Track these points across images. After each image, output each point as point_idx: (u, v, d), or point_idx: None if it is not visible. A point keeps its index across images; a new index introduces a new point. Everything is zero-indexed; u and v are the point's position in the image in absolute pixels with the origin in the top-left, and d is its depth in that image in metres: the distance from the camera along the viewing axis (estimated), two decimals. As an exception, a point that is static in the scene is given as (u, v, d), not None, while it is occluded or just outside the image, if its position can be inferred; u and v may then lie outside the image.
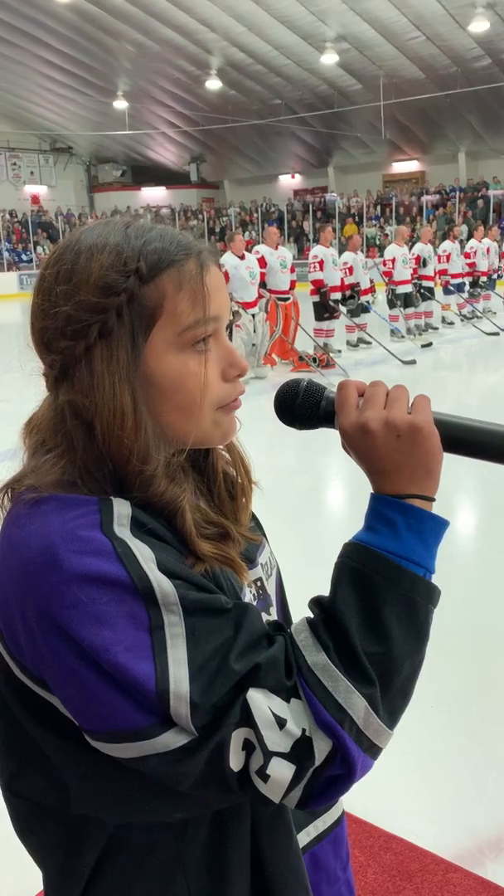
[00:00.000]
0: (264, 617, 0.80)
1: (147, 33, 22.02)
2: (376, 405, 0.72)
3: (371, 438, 0.71)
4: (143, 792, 0.69)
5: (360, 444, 0.72)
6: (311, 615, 0.70)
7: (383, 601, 0.67)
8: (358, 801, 2.19)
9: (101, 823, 0.74)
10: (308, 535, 4.21)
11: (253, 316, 8.90)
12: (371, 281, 11.43)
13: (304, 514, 4.70)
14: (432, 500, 0.72)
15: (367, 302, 11.06)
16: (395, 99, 23.33)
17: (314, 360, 9.32)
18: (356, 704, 0.65)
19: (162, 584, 0.65)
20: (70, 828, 0.74)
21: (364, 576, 0.68)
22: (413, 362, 9.56)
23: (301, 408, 0.77)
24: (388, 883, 1.94)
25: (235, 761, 0.64)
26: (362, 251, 12.16)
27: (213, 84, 24.67)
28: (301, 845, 0.86)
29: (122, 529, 0.67)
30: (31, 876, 0.85)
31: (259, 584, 0.85)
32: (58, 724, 0.69)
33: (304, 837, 0.88)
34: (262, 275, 9.15)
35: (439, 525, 0.71)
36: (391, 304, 11.63)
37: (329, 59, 22.43)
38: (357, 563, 0.69)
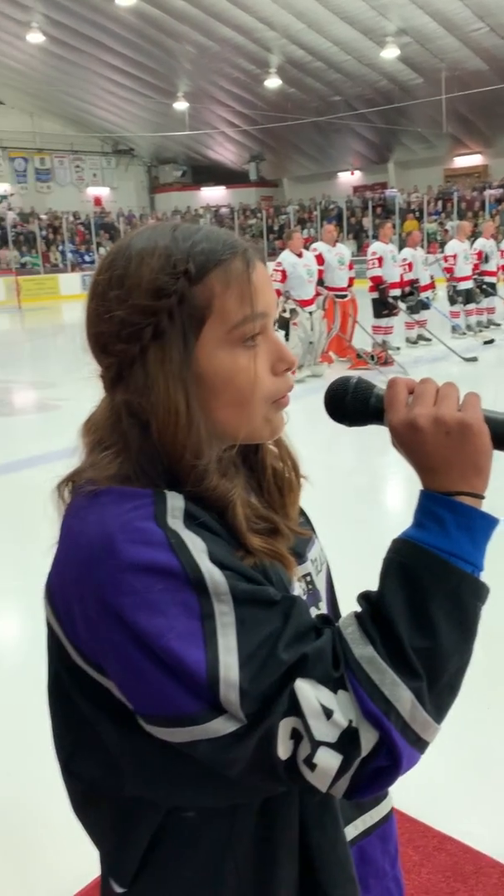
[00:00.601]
0: (313, 611, 0.82)
1: (207, 34, 22.17)
2: (426, 402, 0.73)
3: (420, 435, 0.72)
4: (193, 777, 0.71)
5: (409, 441, 0.73)
6: (359, 609, 0.71)
7: (431, 597, 0.68)
8: (413, 800, 2.18)
9: (153, 806, 0.76)
10: (362, 535, 4.19)
11: (310, 314, 8.88)
12: (431, 277, 11.27)
13: (359, 513, 4.68)
14: (482, 497, 0.72)
15: (427, 298, 10.91)
16: (457, 92, 22.92)
17: (372, 357, 9.24)
18: (402, 697, 0.66)
19: (213, 574, 0.67)
20: (124, 809, 0.77)
21: (412, 571, 0.69)
22: (474, 359, 9.40)
23: (351, 405, 0.78)
24: (441, 883, 1.93)
25: (283, 749, 0.65)
26: (422, 247, 11.99)
27: (273, 82, 24.69)
28: (349, 839, 0.87)
29: (175, 521, 0.69)
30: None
31: (308, 579, 0.86)
32: (113, 707, 0.71)
33: (351, 831, 0.89)
34: (320, 272, 9.13)
35: (489, 523, 0.71)
36: (452, 301, 11.44)
37: (390, 53, 22.19)
38: (405, 559, 0.70)
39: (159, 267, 0.72)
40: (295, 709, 0.65)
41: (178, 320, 0.72)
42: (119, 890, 0.82)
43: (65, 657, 0.74)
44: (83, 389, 0.82)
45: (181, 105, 26.90)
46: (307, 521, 0.92)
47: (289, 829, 0.79)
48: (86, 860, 1.91)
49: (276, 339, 0.78)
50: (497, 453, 0.74)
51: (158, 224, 0.77)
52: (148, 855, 0.78)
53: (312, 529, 0.92)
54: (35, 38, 22.66)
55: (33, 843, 2.16)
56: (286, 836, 0.78)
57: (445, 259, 11.53)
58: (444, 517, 0.70)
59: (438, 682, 0.68)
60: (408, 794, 2.21)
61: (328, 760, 0.65)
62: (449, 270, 11.38)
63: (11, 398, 9.52)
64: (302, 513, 0.91)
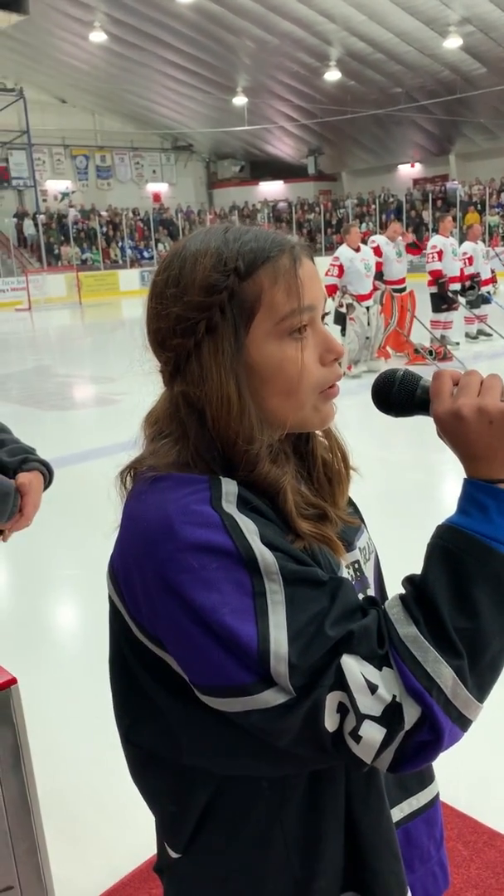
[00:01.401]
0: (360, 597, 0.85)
1: (267, 28, 22.16)
2: (470, 393, 0.75)
3: (464, 425, 0.74)
4: (245, 747, 0.75)
5: (453, 431, 0.76)
6: (404, 591, 0.74)
7: (473, 580, 0.70)
8: (463, 796, 2.19)
9: (207, 775, 0.80)
10: (418, 530, 4.16)
11: (367, 309, 8.83)
12: (492, 271, 11.07)
13: (415, 508, 4.65)
14: None
15: (488, 292, 10.72)
16: (522, 81, 22.41)
17: (430, 352, 9.14)
18: (444, 674, 0.68)
19: (264, 554, 0.71)
20: (180, 778, 0.82)
21: (455, 556, 0.71)
22: (535, 355, 9.20)
23: (397, 396, 0.81)
24: (490, 879, 1.93)
25: (330, 722, 0.69)
26: (484, 241, 11.77)
27: (332, 75, 24.55)
28: (394, 821, 0.90)
29: (230, 505, 0.74)
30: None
31: (357, 566, 0.89)
32: (171, 680, 0.76)
33: (397, 813, 0.92)
34: (379, 265, 9.06)
35: None
36: (512, 295, 11.23)
37: (452, 43, 21.81)
38: (449, 544, 0.72)
39: (211, 265, 0.77)
40: (341, 683, 0.68)
41: (230, 314, 0.76)
42: (174, 855, 0.87)
43: (126, 632, 0.79)
44: (141, 384, 0.87)
45: (240, 100, 26.96)
46: (356, 511, 0.95)
47: (335, 803, 0.82)
48: (139, 840, 1.98)
49: (324, 331, 0.82)
50: None
51: (212, 227, 0.82)
52: (201, 823, 0.82)
53: (361, 520, 0.95)
54: (97, 37, 23.03)
55: (91, 824, 2.24)
56: (333, 810, 0.82)
57: (507, 252, 11.32)
58: (487, 504, 0.73)
59: (480, 661, 0.70)
60: (458, 789, 2.22)
61: (373, 733, 0.68)
62: (511, 264, 11.17)
63: (72, 392, 9.74)
64: (351, 503, 0.94)
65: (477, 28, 21.29)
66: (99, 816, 2.27)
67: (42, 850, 1.73)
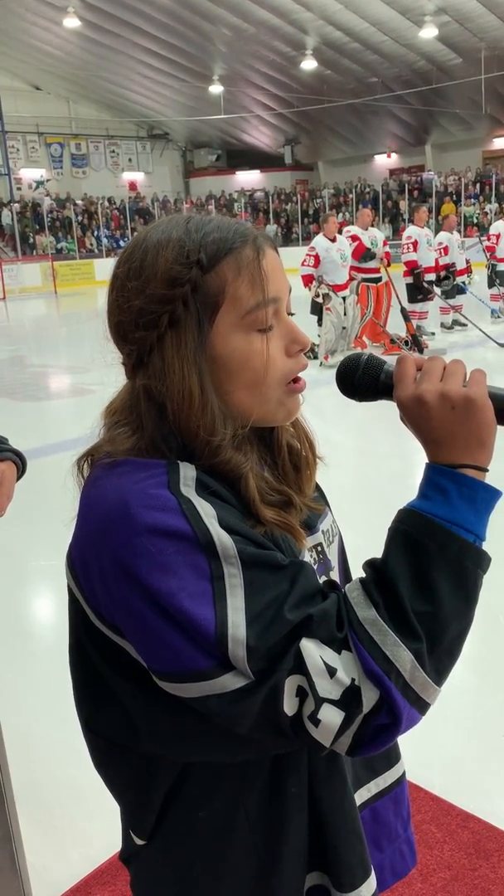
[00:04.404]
0: (322, 580, 0.85)
1: (243, 16, 22.01)
2: (433, 378, 0.75)
3: (426, 410, 0.74)
4: (204, 734, 0.75)
5: (415, 416, 0.76)
6: (365, 575, 0.74)
7: (433, 564, 0.70)
8: (437, 779, 2.21)
9: (170, 761, 0.80)
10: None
11: (343, 299, 8.84)
12: (467, 261, 11.11)
13: (391, 497, 4.68)
14: (485, 470, 0.75)
15: (463, 282, 10.77)
16: (497, 72, 22.48)
17: (406, 342, 9.17)
18: (402, 658, 0.68)
19: (222, 538, 0.71)
20: (141, 765, 0.82)
21: (415, 539, 0.71)
22: (511, 345, 9.26)
23: (361, 380, 0.81)
24: (464, 860, 1.96)
25: (289, 706, 0.69)
26: (459, 231, 11.82)
27: (309, 64, 24.46)
28: (362, 800, 0.91)
29: (188, 489, 0.73)
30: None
31: (319, 549, 0.89)
32: (129, 668, 0.75)
33: (364, 793, 0.92)
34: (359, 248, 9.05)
35: (491, 494, 0.74)
36: (491, 282, 11.28)
37: (428, 33, 21.82)
38: (409, 528, 0.72)
39: (173, 258, 0.75)
40: (300, 667, 0.68)
41: (193, 307, 0.75)
42: (139, 842, 0.87)
43: (85, 621, 0.78)
44: (117, 375, 0.86)
45: (216, 88, 26.78)
46: (321, 496, 0.95)
47: (298, 785, 0.82)
48: (116, 829, 1.98)
49: (290, 322, 0.81)
50: (502, 428, 0.76)
51: (173, 217, 0.81)
52: (165, 808, 0.82)
53: (326, 503, 0.95)
54: (71, 22, 22.70)
55: (67, 814, 2.24)
56: (296, 793, 0.82)
57: (488, 238, 11.37)
58: (448, 488, 0.73)
59: (439, 645, 0.70)
60: (432, 772, 2.24)
61: (331, 717, 0.68)
62: (490, 249, 11.21)
63: (47, 383, 9.66)
64: (317, 488, 0.94)
65: (452, 18, 21.31)
66: (75, 806, 2.26)
67: (17, 838, 1.73)
